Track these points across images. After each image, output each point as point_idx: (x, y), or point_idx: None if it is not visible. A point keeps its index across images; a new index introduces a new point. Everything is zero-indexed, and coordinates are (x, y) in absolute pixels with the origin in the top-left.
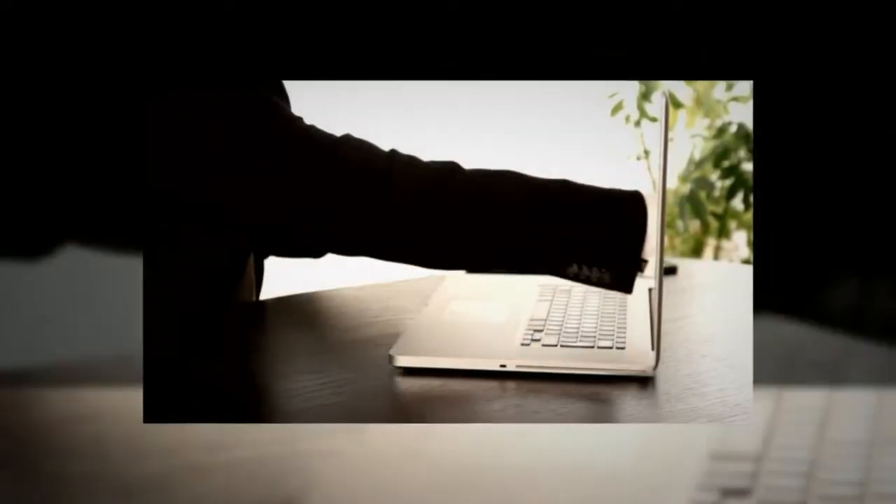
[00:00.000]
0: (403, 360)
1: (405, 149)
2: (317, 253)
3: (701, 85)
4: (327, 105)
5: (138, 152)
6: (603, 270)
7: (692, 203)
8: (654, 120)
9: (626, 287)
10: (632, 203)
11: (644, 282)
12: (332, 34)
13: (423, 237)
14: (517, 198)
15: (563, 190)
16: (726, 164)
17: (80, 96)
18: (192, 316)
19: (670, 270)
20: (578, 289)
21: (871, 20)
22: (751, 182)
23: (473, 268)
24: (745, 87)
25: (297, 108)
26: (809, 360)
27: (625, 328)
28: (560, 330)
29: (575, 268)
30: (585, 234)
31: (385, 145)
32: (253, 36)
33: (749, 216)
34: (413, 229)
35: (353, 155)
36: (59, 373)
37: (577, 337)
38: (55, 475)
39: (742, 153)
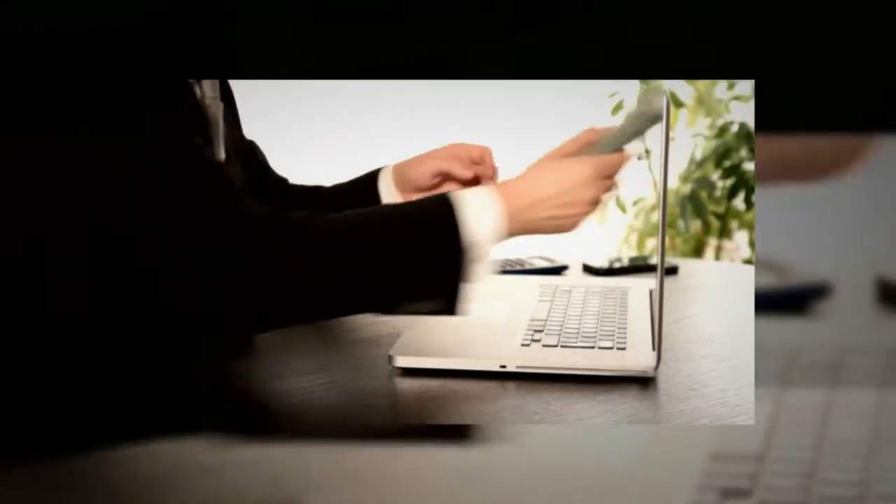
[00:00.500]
0: (403, 361)
1: (406, 148)
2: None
3: (702, 84)
4: (327, 105)
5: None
6: (430, 297)
7: (693, 203)
8: None
9: (453, 309)
10: (435, 214)
11: (645, 282)
12: (332, 32)
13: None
14: (342, 239)
15: (372, 224)
16: (728, 163)
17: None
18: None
19: (671, 271)
20: (579, 289)
21: (872, 19)
22: (752, 182)
23: (305, 318)
24: (746, 87)
25: (297, 108)
26: (810, 361)
27: (625, 328)
28: (560, 330)
29: (405, 302)
30: (400, 268)
31: (385, 144)
32: (251, 33)
33: (750, 216)
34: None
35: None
36: None
37: (577, 337)
38: (53, 477)
39: (743, 153)
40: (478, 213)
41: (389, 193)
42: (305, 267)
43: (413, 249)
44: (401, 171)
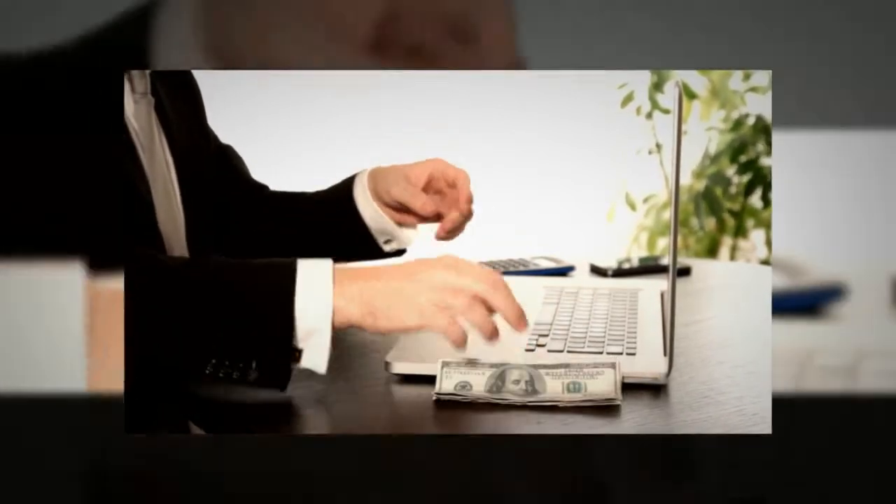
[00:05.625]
0: (400, 367)
1: (411, 140)
2: None
3: (716, 75)
4: (330, 95)
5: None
6: (249, 365)
7: (707, 200)
8: (666, 112)
9: (279, 382)
10: (276, 277)
11: (656, 283)
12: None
13: None
14: (150, 292)
15: (194, 276)
16: (743, 158)
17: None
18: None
19: (684, 272)
20: (586, 291)
21: (893, 8)
22: (769, 178)
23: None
24: (763, 77)
25: (303, 100)
26: (829, 366)
27: (636, 333)
28: (567, 335)
29: (214, 363)
30: (217, 321)
31: (390, 138)
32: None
33: (768, 214)
34: None
35: None
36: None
37: (584, 342)
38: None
39: (760, 147)
40: (310, 286)
41: (366, 200)
42: (160, 312)
43: (236, 302)
44: (375, 179)
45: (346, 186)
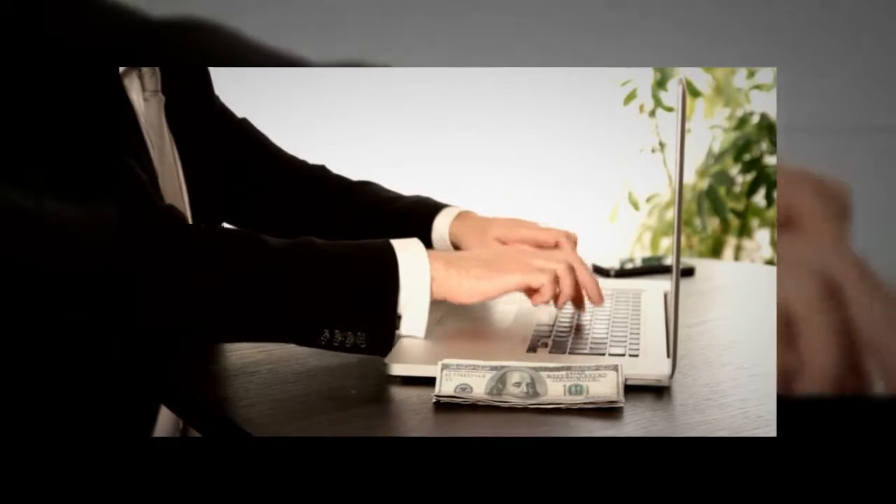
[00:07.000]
0: (399, 369)
1: (414, 138)
2: None
3: (720, 72)
4: (330, 95)
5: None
6: (358, 334)
7: (711, 199)
8: (670, 110)
9: (384, 349)
10: (378, 254)
11: (659, 284)
12: (341, 20)
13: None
14: (254, 266)
15: (304, 252)
16: (748, 157)
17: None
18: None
19: (687, 272)
20: None
21: None
22: (774, 177)
23: (215, 338)
24: (767, 75)
25: (303, 100)
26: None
27: (638, 334)
28: (569, 336)
29: (327, 334)
30: (331, 296)
31: (390, 137)
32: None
33: (772, 213)
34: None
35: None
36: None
37: (587, 343)
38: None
39: (765, 146)
40: (408, 261)
41: (441, 236)
42: (238, 281)
43: (349, 272)
44: (466, 225)
45: (428, 209)
